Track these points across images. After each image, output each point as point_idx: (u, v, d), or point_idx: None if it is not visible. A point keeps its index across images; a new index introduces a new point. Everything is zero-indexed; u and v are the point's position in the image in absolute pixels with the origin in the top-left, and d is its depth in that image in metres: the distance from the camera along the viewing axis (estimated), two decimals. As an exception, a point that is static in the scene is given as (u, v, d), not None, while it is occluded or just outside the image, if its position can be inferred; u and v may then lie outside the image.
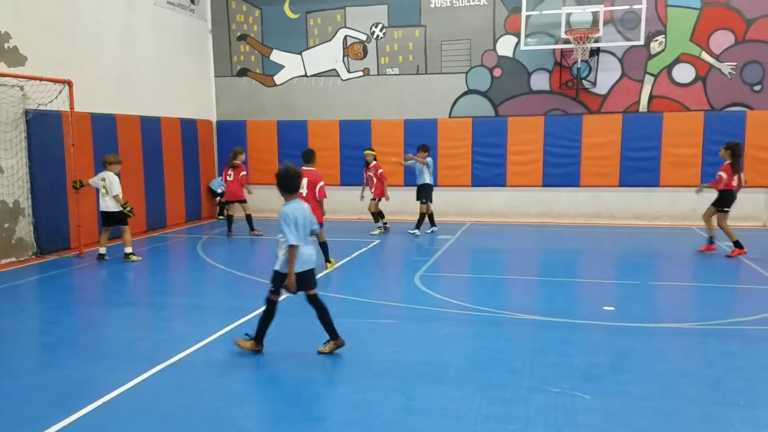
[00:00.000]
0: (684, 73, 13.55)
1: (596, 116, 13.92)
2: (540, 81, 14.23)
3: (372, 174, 12.60)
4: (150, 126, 13.18)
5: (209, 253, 10.77)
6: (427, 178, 12.50)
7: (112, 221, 9.95)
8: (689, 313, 7.25)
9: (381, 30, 14.98)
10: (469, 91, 14.62)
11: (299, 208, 5.56)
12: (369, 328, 6.53)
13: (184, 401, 4.71)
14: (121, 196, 9.86)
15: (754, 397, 4.73)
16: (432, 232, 12.60)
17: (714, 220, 10.24)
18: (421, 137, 14.58)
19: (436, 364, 5.43)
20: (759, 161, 13.18)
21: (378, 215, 12.85)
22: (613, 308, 7.22)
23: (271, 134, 15.53)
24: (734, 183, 10.06)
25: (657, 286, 8.64)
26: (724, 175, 10.03)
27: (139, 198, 12.67)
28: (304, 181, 9.03)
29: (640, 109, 13.83)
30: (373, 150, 12.86)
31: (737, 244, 10.03)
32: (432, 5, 14.58)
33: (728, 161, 10.10)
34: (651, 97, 13.76)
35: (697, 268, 10.11)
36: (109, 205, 9.85)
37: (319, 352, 5.66)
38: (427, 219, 12.66)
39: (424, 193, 12.50)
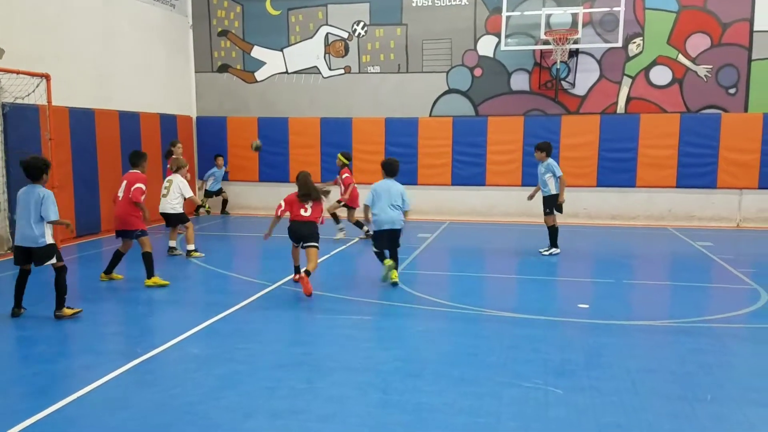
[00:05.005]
0: (661, 75, 13.76)
1: (575, 117, 14.08)
2: (520, 81, 14.36)
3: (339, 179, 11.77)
4: (129, 121, 13.08)
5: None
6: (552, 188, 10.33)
7: (175, 221, 10.20)
8: (661, 311, 7.38)
9: (362, 28, 15.01)
10: (450, 91, 14.71)
11: None
12: (346, 324, 6.57)
13: (159, 396, 4.71)
14: (194, 196, 10.39)
15: (721, 393, 4.84)
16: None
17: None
18: (401, 136, 14.67)
19: (411, 360, 5.50)
20: (733, 163, 13.42)
21: (354, 223, 11.86)
22: (587, 306, 7.34)
23: (251, 131, 15.48)
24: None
25: (631, 284, 8.78)
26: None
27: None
28: (123, 184, 8.30)
29: (618, 111, 14.02)
30: (342, 155, 11.77)
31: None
32: (413, 4, 14.64)
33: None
34: (628, 99, 13.95)
35: (671, 267, 10.31)
36: (175, 206, 10.02)
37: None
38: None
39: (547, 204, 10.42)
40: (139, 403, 4.59)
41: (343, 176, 11.64)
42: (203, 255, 10.06)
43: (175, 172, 10.22)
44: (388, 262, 8.16)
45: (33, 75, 10.07)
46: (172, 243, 10.28)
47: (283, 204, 8.01)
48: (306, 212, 7.88)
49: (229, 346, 5.82)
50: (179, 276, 8.90)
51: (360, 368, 5.29)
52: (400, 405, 4.56)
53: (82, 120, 11.72)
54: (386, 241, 8.22)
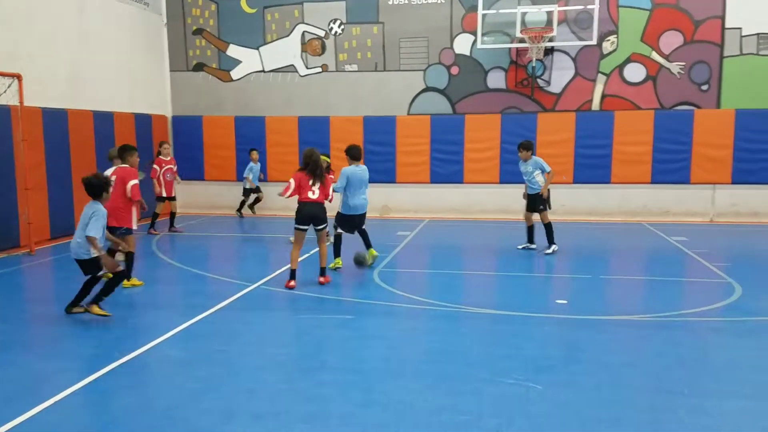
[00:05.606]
0: (635, 72, 13.92)
1: (550, 114, 14.19)
2: (496, 79, 14.43)
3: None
4: (103, 121, 12.89)
5: (165, 251, 10.62)
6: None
7: None
8: (638, 306, 7.48)
9: (339, 26, 14.96)
10: (428, 89, 14.73)
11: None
12: (328, 323, 6.55)
13: (138, 400, 4.66)
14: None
15: (698, 386, 4.91)
16: None
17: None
18: (380, 134, 14.67)
19: (393, 359, 5.50)
20: (706, 159, 13.63)
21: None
22: (565, 301, 7.41)
23: (228, 130, 15.37)
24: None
25: (608, 279, 8.88)
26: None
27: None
28: (113, 179, 7.89)
29: (593, 108, 14.15)
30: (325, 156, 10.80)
31: None
32: (390, 2, 14.62)
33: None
34: (603, 96, 14.09)
35: (646, 262, 10.44)
36: None
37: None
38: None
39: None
40: (118, 408, 4.53)
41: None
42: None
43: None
44: (373, 252, 9.02)
45: (4, 75, 9.87)
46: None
47: (292, 184, 8.00)
48: (314, 194, 7.99)
49: (208, 348, 5.77)
50: (156, 278, 8.80)
51: (341, 368, 5.28)
52: (382, 404, 4.56)
53: (55, 120, 11.52)
54: (355, 224, 8.93)
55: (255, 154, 14.44)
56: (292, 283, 7.91)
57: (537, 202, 10.27)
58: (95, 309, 6.56)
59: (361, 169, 8.79)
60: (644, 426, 4.24)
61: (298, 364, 5.42)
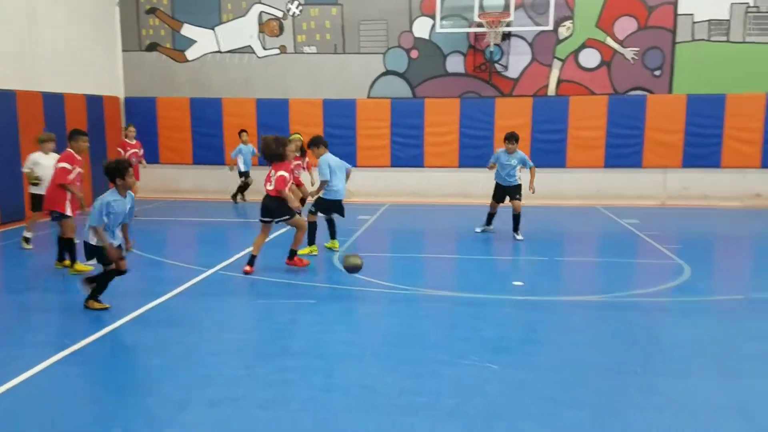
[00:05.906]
0: (590, 57, 14.13)
1: (508, 99, 14.31)
2: (455, 64, 14.47)
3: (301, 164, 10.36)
4: (53, 103, 12.49)
5: (119, 236, 10.38)
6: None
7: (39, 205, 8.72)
8: (592, 287, 7.66)
9: (297, 7, 14.77)
10: (387, 72, 14.68)
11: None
12: (288, 308, 6.53)
13: (90, 388, 4.59)
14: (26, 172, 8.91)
15: (649, 365, 5.05)
16: None
17: None
18: (340, 117, 14.58)
19: (354, 343, 5.52)
20: (658, 143, 13.97)
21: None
22: (522, 283, 7.53)
23: (183, 112, 15.07)
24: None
25: (563, 261, 9.06)
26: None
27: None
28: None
29: (549, 93, 14.33)
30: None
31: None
32: (349, -16, 14.49)
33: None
34: (559, 81, 14.28)
35: (600, 244, 10.68)
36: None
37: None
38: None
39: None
40: (69, 397, 4.43)
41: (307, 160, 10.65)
42: (32, 247, 9.21)
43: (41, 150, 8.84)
44: (336, 244, 9.13)
45: (-55, 53, 9.49)
46: (28, 234, 9.16)
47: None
48: (270, 185, 7.77)
49: (163, 335, 5.67)
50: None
51: (302, 353, 5.27)
52: (343, 388, 4.57)
53: (2, 101, 11.12)
54: (335, 209, 8.98)
55: (245, 136, 13.82)
56: (248, 268, 7.76)
57: (515, 191, 10.26)
58: (93, 304, 6.31)
59: (335, 157, 8.91)
60: (598, 405, 4.35)
61: (257, 349, 5.39)
